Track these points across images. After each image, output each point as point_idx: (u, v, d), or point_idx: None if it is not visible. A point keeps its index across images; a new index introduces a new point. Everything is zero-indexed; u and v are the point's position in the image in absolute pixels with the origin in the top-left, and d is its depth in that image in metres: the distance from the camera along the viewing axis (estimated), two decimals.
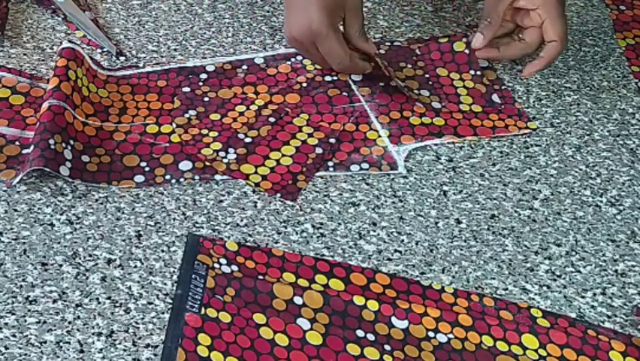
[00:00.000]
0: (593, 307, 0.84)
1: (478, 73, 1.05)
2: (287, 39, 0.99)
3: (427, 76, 1.05)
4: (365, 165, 0.94)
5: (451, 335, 0.79)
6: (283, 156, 0.93)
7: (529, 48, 1.05)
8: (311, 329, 0.78)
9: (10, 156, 0.90)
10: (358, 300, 0.80)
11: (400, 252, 0.86)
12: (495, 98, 1.03)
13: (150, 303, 0.78)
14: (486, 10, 1.05)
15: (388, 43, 1.08)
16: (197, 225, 0.86)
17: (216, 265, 0.81)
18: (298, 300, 0.79)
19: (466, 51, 1.06)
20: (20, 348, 0.74)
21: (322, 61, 0.99)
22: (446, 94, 1.03)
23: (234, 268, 0.81)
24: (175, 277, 0.81)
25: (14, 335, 0.75)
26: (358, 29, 0.99)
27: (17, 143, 0.91)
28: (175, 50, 1.05)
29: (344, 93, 1.01)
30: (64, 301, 0.78)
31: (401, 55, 1.07)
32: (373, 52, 1.01)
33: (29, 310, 0.77)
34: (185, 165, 0.91)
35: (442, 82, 1.04)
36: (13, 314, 0.76)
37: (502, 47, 1.06)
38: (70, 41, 0.98)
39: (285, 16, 0.98)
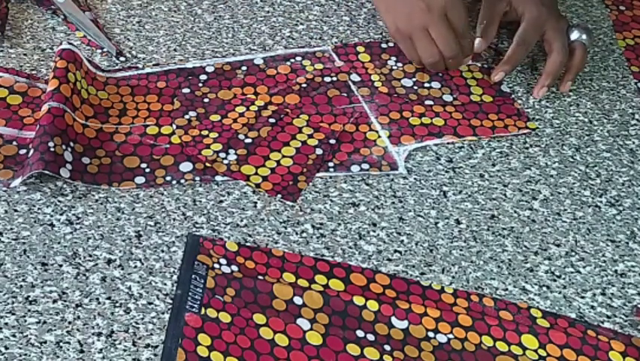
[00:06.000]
0: (592, 307, 0.84)
1: (485, 66, 1.06)
2: (399, 29, 1.02)
3: None
4: (365, 166, 0.94)
5: (450, 336, 0.79)
6: (283, 157, 0.93)
7: (560, 57, 1.04)
8: (311, 329, 0.78)
9: (7, 155, 0.90)
10: (358, 300, 0.80)
11: (400, 252, 0.86)
12: (504, 88, 1.05)
13: (150, 303, 0.78)
14: (481, 16, 1.06)
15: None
16: (197, 225, 0.86)
17: (216, 266, 0.81)
18: (298, 300, 0.79)
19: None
20: (20, 348, 0.74)
21: (429, 46, 1.01)
22: (457, 85, 1.04)
23: (234, 268, 0.81)
24: (175, 277, 0.81)
25: (14, 335, 0.75)
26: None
27: (14, 143, 0.91)
28: (175, 50, 1.05)
29: (344, 94, 1.01)
30: (64, 301, 0.78)
31: None
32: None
33: (29, 310, 0.77)
34: (185, 166, 0.91)
35: (452, 73, 1.05)
36: (13, 314, 0.76)
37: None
38: (69, 42, 0.98)
39: (388, 11, 1.03)
